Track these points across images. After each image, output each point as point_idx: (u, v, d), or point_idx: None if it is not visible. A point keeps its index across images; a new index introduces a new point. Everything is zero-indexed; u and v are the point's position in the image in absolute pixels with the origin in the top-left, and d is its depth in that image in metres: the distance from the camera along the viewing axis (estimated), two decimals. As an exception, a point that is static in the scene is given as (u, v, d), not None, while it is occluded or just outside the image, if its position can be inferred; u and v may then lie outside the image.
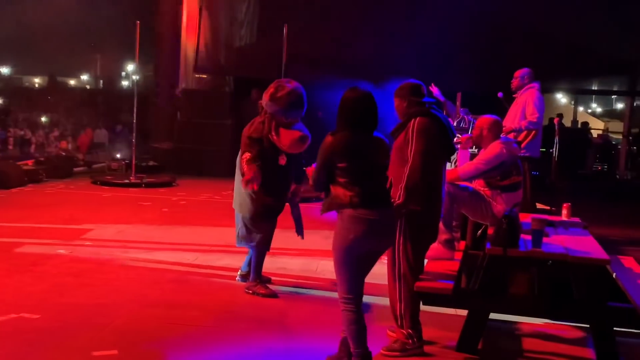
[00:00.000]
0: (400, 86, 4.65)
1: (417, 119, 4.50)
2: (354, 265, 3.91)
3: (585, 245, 4.84)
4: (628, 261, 5.44)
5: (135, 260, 6.60)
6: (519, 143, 6.99)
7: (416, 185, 4.39)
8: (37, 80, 38.12)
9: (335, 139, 3.92)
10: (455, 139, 5.95)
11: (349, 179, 3.88)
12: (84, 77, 39.79)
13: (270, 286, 5.74)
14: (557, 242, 4.84)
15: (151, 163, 14.07)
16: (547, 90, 7.76)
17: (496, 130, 5.57)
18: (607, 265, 4.61)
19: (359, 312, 3.94)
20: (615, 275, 4.83)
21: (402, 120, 4.61)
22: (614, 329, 4.40)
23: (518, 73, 7.58)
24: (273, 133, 5.39)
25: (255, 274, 5.68)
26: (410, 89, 4.62)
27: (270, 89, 5.42)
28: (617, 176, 16.09)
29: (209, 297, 5.56)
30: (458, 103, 7.76)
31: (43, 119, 19.64)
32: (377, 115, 4.00)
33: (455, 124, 7.24)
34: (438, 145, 4.52)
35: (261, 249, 5.66)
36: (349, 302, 3.92)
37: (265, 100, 5.44)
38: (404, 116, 4.60)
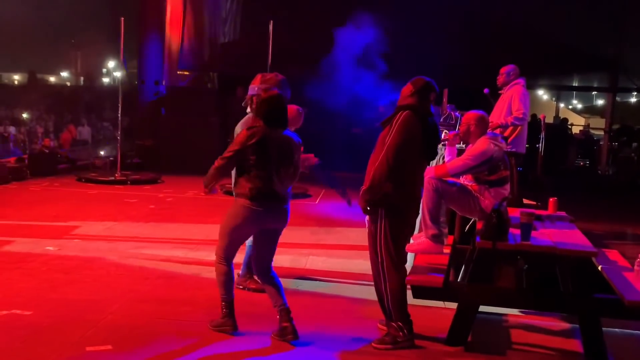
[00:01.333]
0: (420, 78, 4.67)
1: (405, 112, 4.52)
2: (233, 239, 4.64)
3: (572, 238, 4.93)
4: (613, 254, 5.52)
5: (124, 257, 6.60)
6: (506, 139, 7.07)
7: (382, 178, 4.43)
8: (16, 77, 37.76)
9: (253, 132, 4.43)
10: (442, 136, 6.02)
11: (253, 172, 4.45)
12: (64, 74, 39.52)
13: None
14: (545, 235, 4.92)
15: (136, 160, 14.02)
16: (529, 86, 7.84)
17: (483, 125, 5.63)
18: (594, 257, 4.70)
19: (229, 267, 4.64)
20: (601, 268, 4.92)
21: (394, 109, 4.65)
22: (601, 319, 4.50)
23: (504, 69, 7.66)
24: None
25: (246, 269, 5.72)
26: (423, 85, 4.63)
27: (257, 77, 5.56)
28: (599, 171, 16.27)
29: (199, 292, 5.58)
30: (445, 99, 7.82)
31: (25, 115, 19.45)
32: (287, 114, 4.60)
33: (442, 120, 7.30)
34: (416, 144, 4.51)
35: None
36: (223, 261, 4.64)
37: (255, 85, 5.50)
38: (400, 105, 4.62)
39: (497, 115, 7.53)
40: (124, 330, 4.59)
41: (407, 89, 4.65)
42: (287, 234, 5.96)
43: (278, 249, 4.87)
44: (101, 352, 4.22)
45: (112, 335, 4.49)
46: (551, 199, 5.88)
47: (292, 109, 5.59)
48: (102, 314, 4.88)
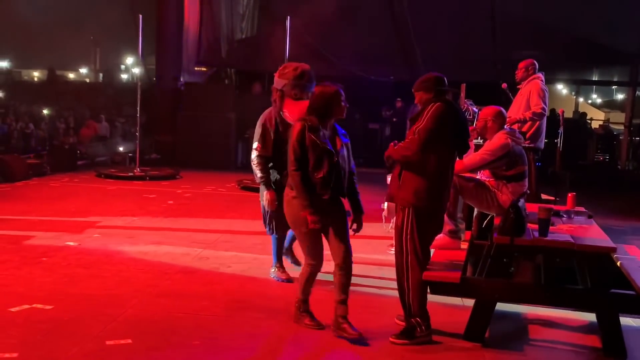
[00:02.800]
0: (426, 78, 4.58)
1: (437, 104, 4.47)
2: None
3: (591, 234, 4.90)
4: (632, 250, 5.49)
5: (143, 252, 6.66)
6: (524, 134, 7.04)
7: (407, 155, 4.42)
8: (36, 74, 38.08)
9: None
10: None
11: None
12: (83, 70, 39.80)
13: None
14: (564, 231, 4.90)
15: (154, 156, 14.11)
16: (547, 81, 7.78)
17: (500, 120, 5.62)
18: (613, 253, 4.67)
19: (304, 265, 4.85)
20: (620, 264, 4.89)
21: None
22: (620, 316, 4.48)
23: (522, 64, 7.62)
24: (284, 110, 5.47)
25: (276, 258, 5.88)
26: (435, 80, 4.57)
27: (279, 69, 5.58)
28: (619, 166, 16.13)
29: (218, 287, 5.62)
30: (462, 94, 7.78)
31: (45, 111, 19.63)
32: (330, 106, 4.56)
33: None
34: (448, 132, 4.45)
35: (278, 235, 5.82)
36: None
37: (275, 79, 5.56)
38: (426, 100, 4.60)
39: (516, 110, 7.49)
40: (144, 325, 4.64)
41: (425, 95, 4.55)
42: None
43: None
44: (121, 345, 4.27)
45: (132, 329, 4.54)
46: (570, 194, 5.85)
47: (302, 104, 5.59)
48: (121, 308, 4.94)
